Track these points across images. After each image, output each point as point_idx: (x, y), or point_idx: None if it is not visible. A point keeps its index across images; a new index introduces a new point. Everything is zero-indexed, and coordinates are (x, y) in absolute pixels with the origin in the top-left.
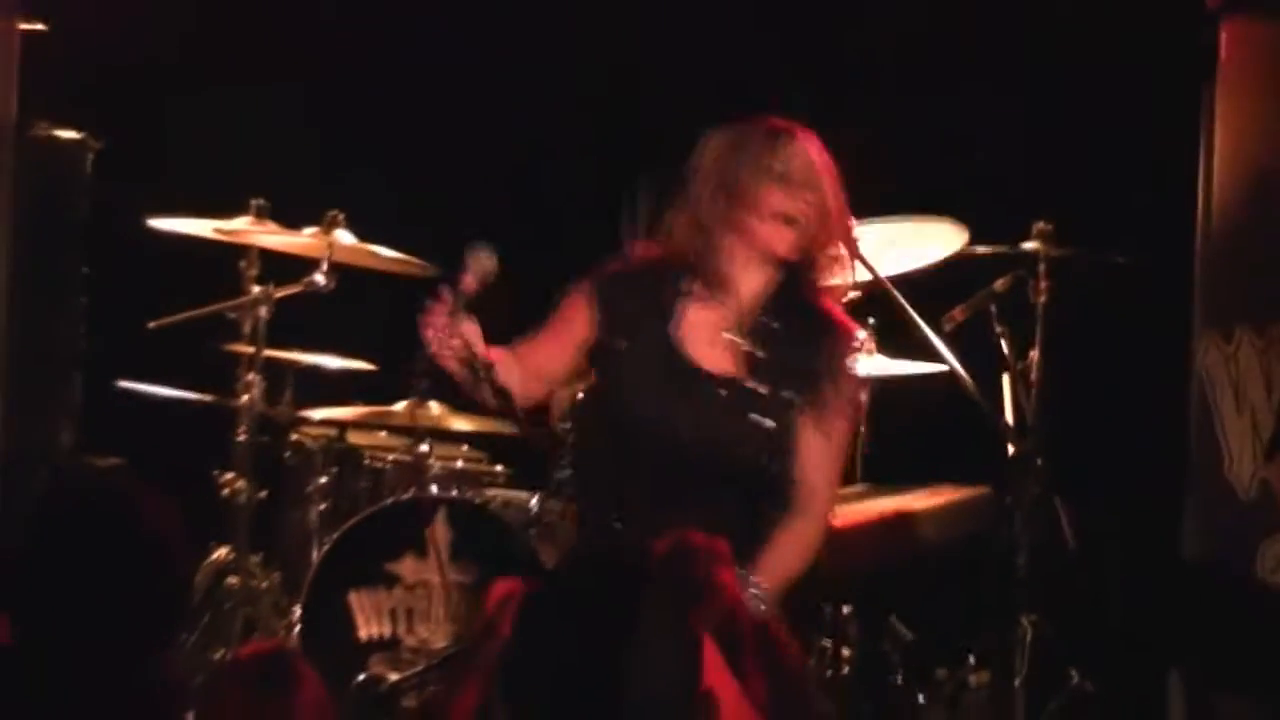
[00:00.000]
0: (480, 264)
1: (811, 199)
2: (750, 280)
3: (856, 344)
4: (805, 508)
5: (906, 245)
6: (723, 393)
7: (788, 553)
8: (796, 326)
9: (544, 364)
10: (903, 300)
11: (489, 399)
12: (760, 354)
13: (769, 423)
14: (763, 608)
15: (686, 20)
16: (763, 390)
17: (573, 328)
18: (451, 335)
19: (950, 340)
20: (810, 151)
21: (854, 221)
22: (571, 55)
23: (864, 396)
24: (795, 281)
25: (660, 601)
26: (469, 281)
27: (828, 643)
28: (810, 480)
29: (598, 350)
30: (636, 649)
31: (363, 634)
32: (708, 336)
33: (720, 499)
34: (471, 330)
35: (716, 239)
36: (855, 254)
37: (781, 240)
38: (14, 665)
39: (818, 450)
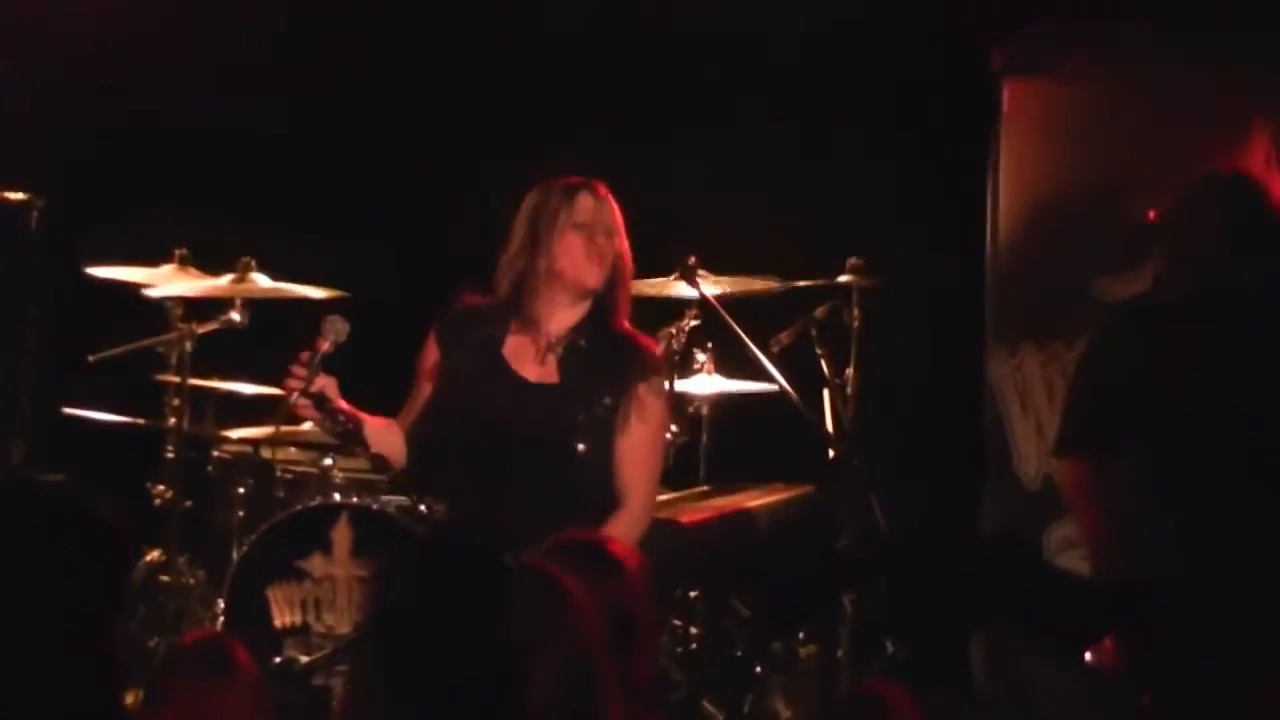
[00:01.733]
0: (334, 328)
1: (606, 241)
2: (559, 317)
3: (654, 360)
4: (625, 502)
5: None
6: (542, 395)
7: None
8: (602, 347)
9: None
10: (735, 326)
11: (358, 450)
12: (571, 369)
13: (580, 415)
14: None
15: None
16: (574, 391)
17: (430, 375)
18: (308, 388)
19: (778, 360)
20: (603, 202)
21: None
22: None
23: (699, 408)
24: (599, 314)
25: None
26: (323, 345)
27: (679, 622)
28: (627, 476)
29: (439, 371)
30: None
31: (278, 622)
32: (530, 356)
33: (540, 479)
34: (327, 384)
35: (530, 285)
36: (695, 286)
37: (590, 275)
38: None
39: (630, 450)
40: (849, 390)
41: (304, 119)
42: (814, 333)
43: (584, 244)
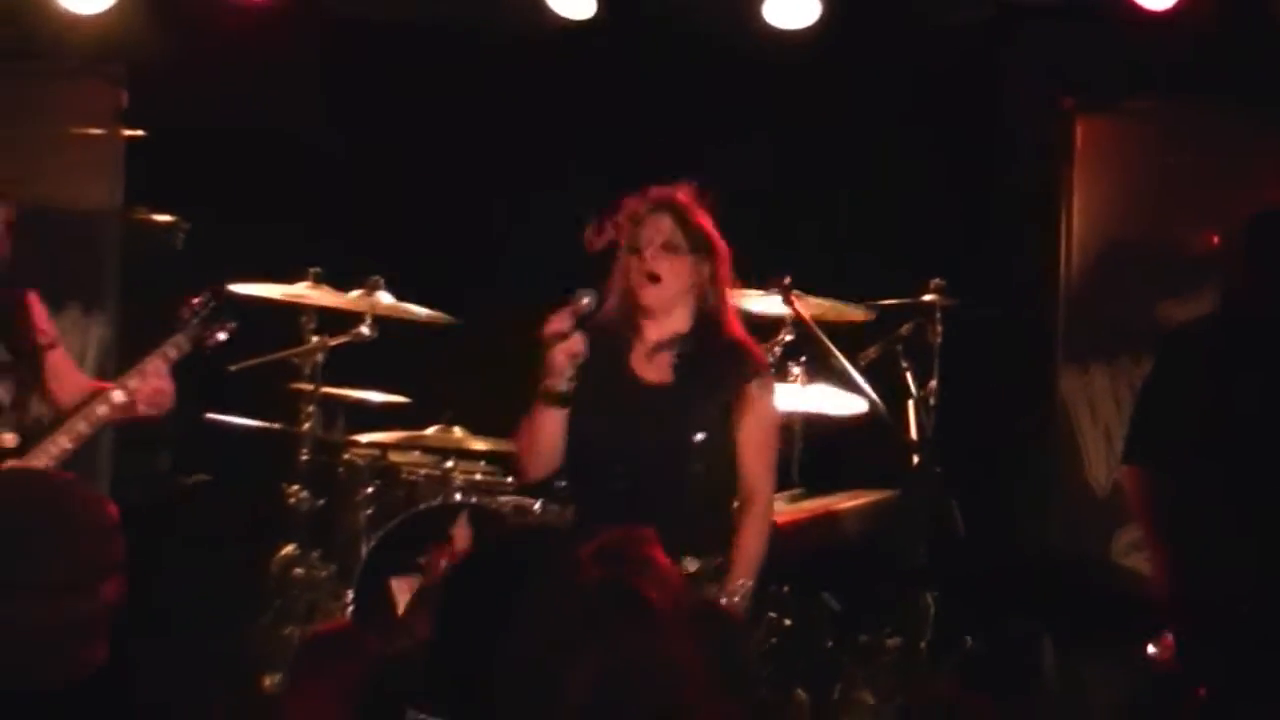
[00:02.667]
0: (584, 300)
1: (667, 261)
2: (660, 326)
3: (762, 361)
4: (751, 498)
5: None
6: (658, 396)
7: (752, 544)
8: (712, 351)
9: None
10: (828, 342)
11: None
12: (684, 371)
13: (695, 414)
14: (745, 605)
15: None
16: (690, 392)
17: None
18: (568, 334)
19: (865, 373)
20: (670, 217)
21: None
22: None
23: (794, 410)
24: (705, 321)
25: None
26: (580, 306)
27: (773, 615)
28: (749, 470)
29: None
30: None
31: (401, 613)
32: (646, 361)
33: (661, 475)
34: (580, 340)
35: (621, 301)
36: (791, 307)
37: (648, 296)
38: None
39: (748, 445)
40: (931, 402)
41: (427, 151)
42: (899, 348)
43: (638, 265)
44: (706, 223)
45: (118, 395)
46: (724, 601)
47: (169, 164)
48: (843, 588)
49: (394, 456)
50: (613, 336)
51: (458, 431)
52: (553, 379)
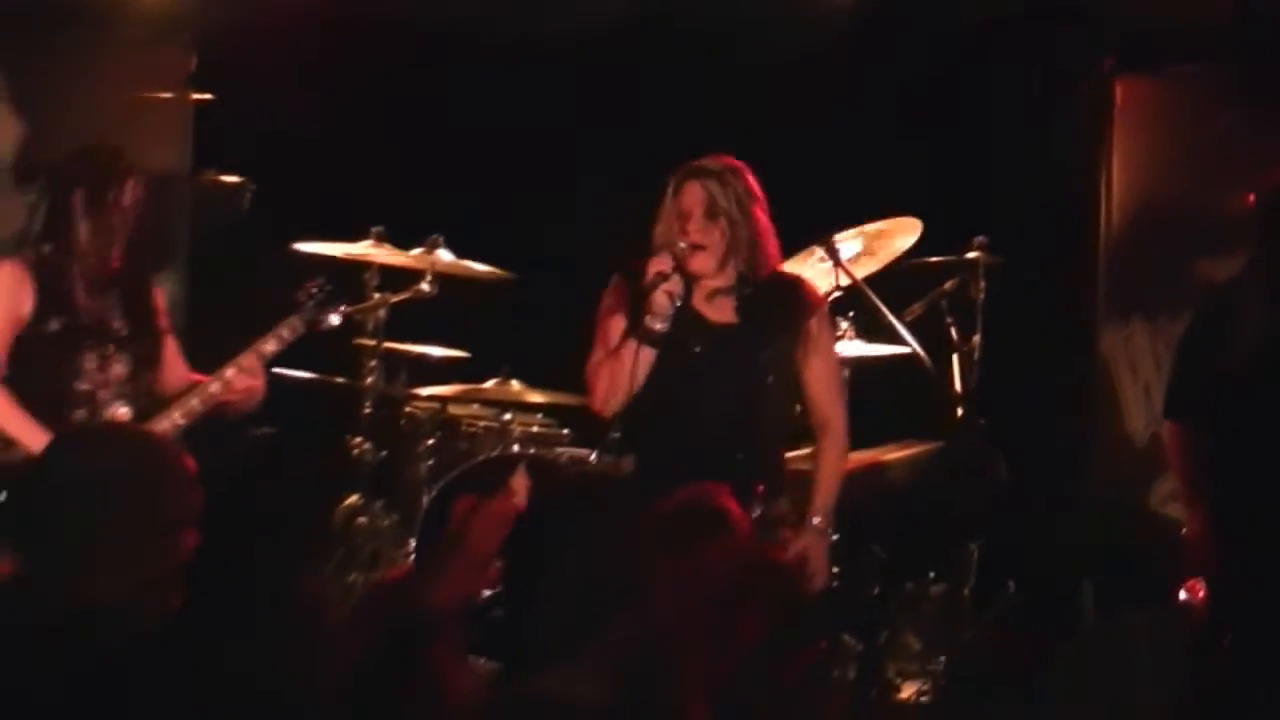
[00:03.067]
0: (680, 249)
1: (708, 229)
2: (713, 280)
3: (818, 296)
4: (826, 426)
5: (879, 249)
6: (726, 334)
7: (829, 479)
8: (768, 290)
9: None
10: (875, 298)
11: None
12: (747, 311)
13: (765, 353)
14: (830, 538)
15: None
16: (755, 330)
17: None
18: (667, 278)
19: (911, 329)
20: (709, 185)
21: (835, 237)
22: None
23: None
24: (751, 273)
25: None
26: (678, 249)
27: None
28: (820, 403)
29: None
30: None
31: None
32: (707, 301)
33: (729, 413)
34: (679, 281)
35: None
36: (837, 262)
37: (694, 264)
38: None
39: (816, 380)
40: (974, 356)
41: (486, 108)
42: (943, 305)
43: (680, 232)
44: (745, 184)
45: (215, 385)
46: (814, 522)
47: (236, 127)
48: (889, 536)
49: (454, 410)
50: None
51: (515, 385)
52: (653, 319)
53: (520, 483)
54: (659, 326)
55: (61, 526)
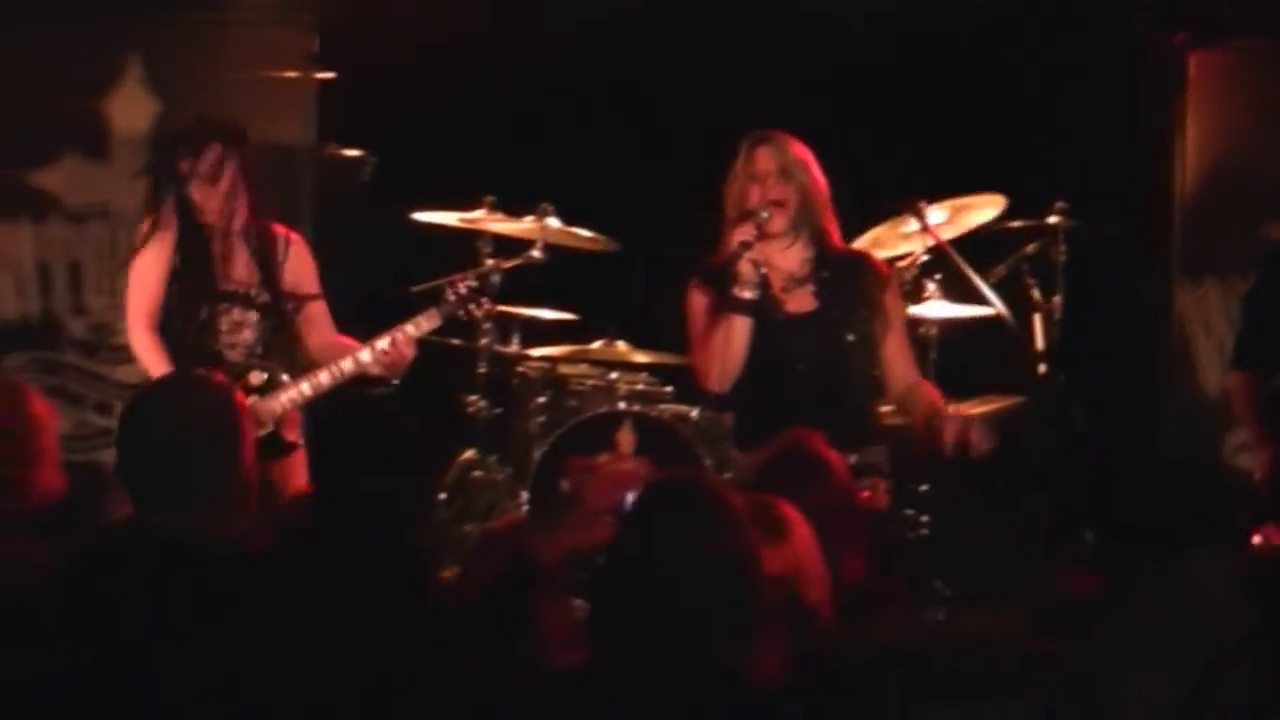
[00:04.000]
0: (764, 213)
1: (783, 188)
2: (786, 254)
3: (887, 270)
4: (911, 385)
5: (961, 219)
6: (806, 323)
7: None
8: (840, 270)
9: None
10: (961, 261)
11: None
12: (825, 296)
13: (850, 337)
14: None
15: None
16: (836, 315)
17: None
18: (751, 246)
19: (994, 290)
20: (772, 148)
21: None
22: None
23: (929, 330)
24: (819, 243)
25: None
26: (761, 219)
27: (910, 511)
28: (899, 372)
29: (713, 314)
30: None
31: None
32: (786, 291)
33: (817, 394)
34: (761, 254)
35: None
36: (925, 227)
37: (776, 222)
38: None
39: (894, 352)
40: (1055, 316)
41: (596, 85)
42: (1025, 267)
43: (758, 191)
44: (804, 152)
45: (365, 355)
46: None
47: (357, 102)
48: (974, 487)
49: (563, 369)
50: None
51: (621, 346)
52: (741, 287)
53: (626, 437)
54: (748, 295)
55: (151, 470)
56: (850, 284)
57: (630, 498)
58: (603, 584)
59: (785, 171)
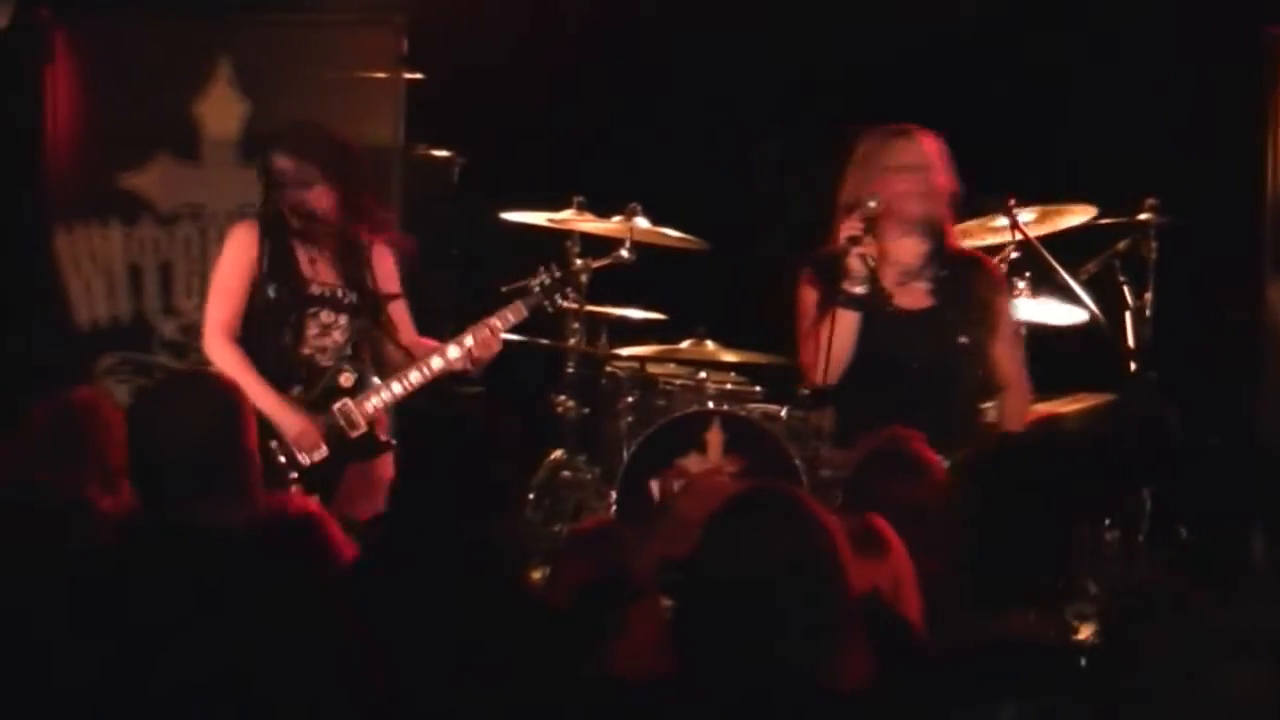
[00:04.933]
0: (871, 204)
1: (918, 178)
2: (905, 247)
3: (1001, 274)
4: (1010, 389)
5: (1050, 221)
6: (920, 321)
7: (1012, 422)
8: (957, 270)
9: None
10: (1051, 259)
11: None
12: (941, 295)
13: (963, 338)
14: None
15: None
16: (950, 316)
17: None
18: (859, 241)
19: (1085, 287)
20: (916, 143)
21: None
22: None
23: (1019, 327)
24: (937, 240)
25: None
26: (868, 210)
27: None
28: (1007, 371)
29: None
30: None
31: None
32: (898, 287)
33: (928, 395)
34: (873, 244)
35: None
36: (1015, 224)
37: (913, 207)
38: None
39: (1004, 352)
40: (1146, 313)
41: (683, 87)
42: (1116, 264)
43: (901, 180)
44: (938, 148)
45: (453, 351)
46: None
47: (446, 103)
48: (1065, 486)
49: (652, 368)
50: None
51: (709, 345)
52: (850, 282)
53: (715, 436)
54: (857, 290)
55: (160, 464)
56: (965, 284)
57: None
58: (689, 592)
59: (921, 166)
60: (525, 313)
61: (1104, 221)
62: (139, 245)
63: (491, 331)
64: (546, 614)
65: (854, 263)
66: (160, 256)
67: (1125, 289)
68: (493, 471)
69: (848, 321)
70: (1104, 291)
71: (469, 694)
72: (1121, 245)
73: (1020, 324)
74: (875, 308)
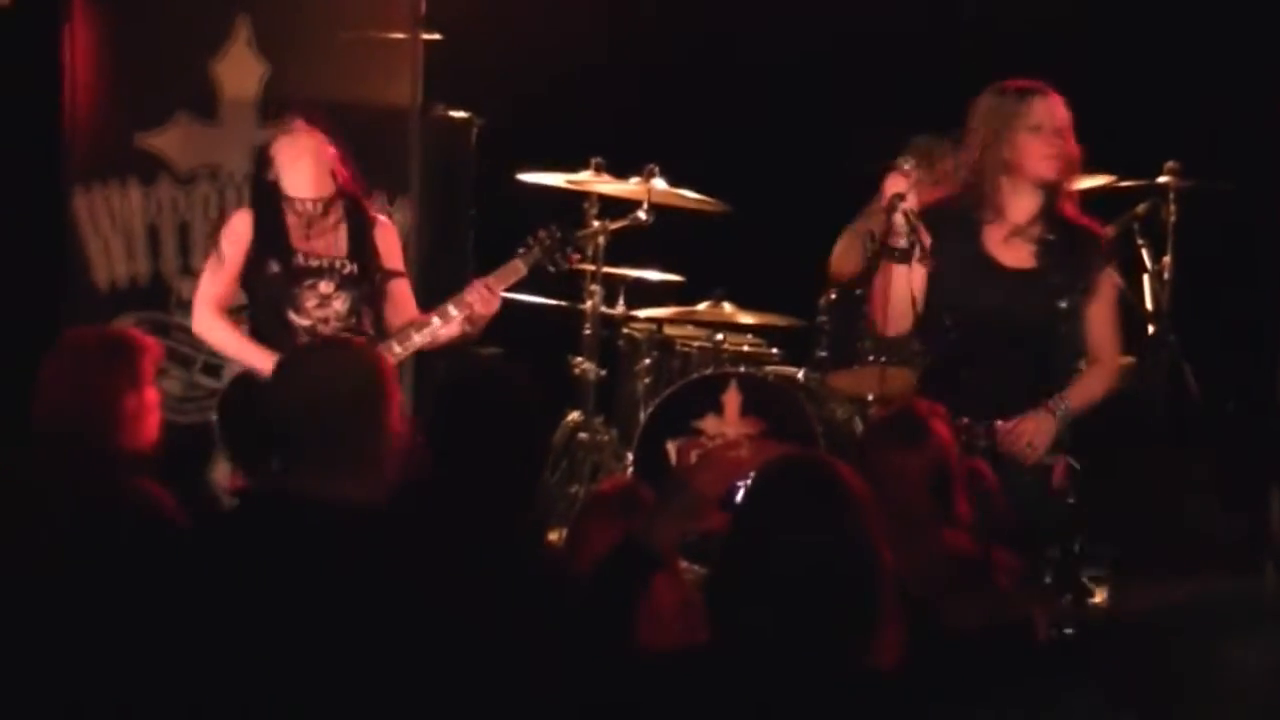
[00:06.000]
0: (908, 165)
1: (1057, 140)
2: (1020, 205)
3: (1111, 245)
4: (1097, 358)
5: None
6: (1023, 280)
7: (1090, 386)
8: (1066, 235)
9: None
10: None
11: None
12: (1047, 256)
13: (1061, 302)
14: (1063, 418)
15: None
16: (1054, 279)
17: None
18: (904, 197)
19: None
20: (1053, 104)
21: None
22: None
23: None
24: (1052, 204)
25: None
26: (908, 170)
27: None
28: (1098, 339)
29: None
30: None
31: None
32: (1004, 244)
33: (1024, 356)
34: (916, 200)
35: (992, 179)
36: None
37: (1049, 169)
38: (433, 499)
39: (1100, 320)
40: (1165, 276)
41: (702, 47)
42: (1135, 227)
43: (1040, 141)
44: (1068, 113)
45: (452, 309)
46: (1049, 404)
47: (465, 64)
48: (1085, 446)
49: (669, 330)
50: (959, 217)
51: (727, 307)
52: (895, 237)
53: (732, 398)
54: (902, 243)
55: (301, 436)
56: (1074, 250)
57: (741, 486)
58: (724, 565)
59: (1059, 129)
60: (524, 271)
61: (1124, 184)
62: (157, 205)
63: (489, 289)
64: (568, 581)
65: (899, 219)
66: (178, 217)
67: (1144, 252)
68: (519, 434)
69: (899, 275)
70: (1123, 255)
71: (493, 663)
72: (1141, 209)
73: (1120, 293)
74: (981, 260)
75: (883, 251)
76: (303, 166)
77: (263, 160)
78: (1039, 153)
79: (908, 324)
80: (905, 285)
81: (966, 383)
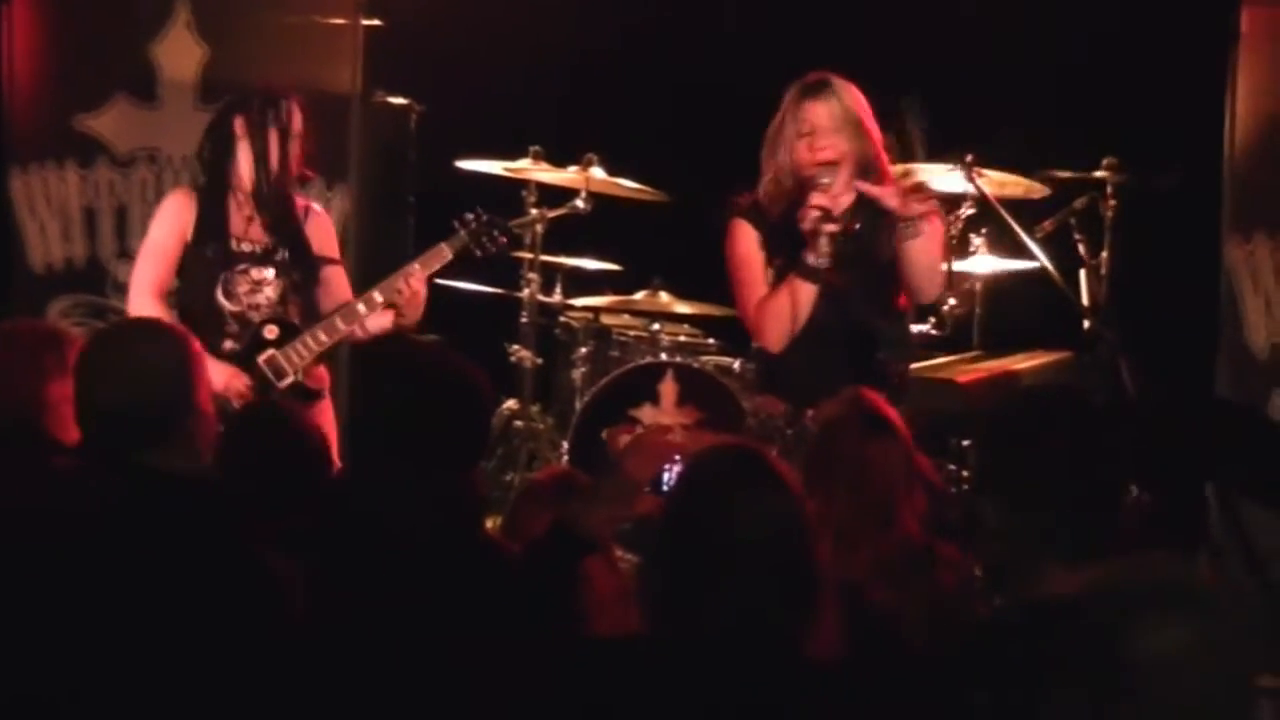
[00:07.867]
0: (824, 184)
1: (837, 144)
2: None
3: (902, 186)
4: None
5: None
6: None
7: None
8: (873, 221)
9: None
10: (1007, 216)
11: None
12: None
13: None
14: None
15: None
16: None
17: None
18: (830, 216)
19: (1042, 244)
20: (833, 102)
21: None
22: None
23: (974, 284)
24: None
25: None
26: (826, 185)
27: (953, 467)
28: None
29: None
30: None
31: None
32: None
33: (846, 351)
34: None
35: (782, 184)
36: (972, 180)
37: (816, 173)
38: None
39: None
40: (1102, 271)
41: (640, 37)
42: (1073, 221)
43: (806, 147)
44: (859, 101)
45: (377, 295)
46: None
47: (405, 50)
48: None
49: (606, 319)
50: (778, 220)
51: (664, 296)
52: (818, 258)
53: (669, 388)
54: (824, 264)
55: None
56: (872, 235)
57: (671, 471)
58: (657, 552)
59: (839, 129)
60: (449, 255)
61: (1062, 176)
62: (94, 188)
63: (415, 275)
64: (506, 566)
65: (823, 237)
66: (116, 200)
67: (1082, 246)
68: (458, 418)
69: (807, 293)
70: (1060, 249)
71: (432, 650)
72: (1078, 203)
73: (966, 277)
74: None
75: (798, 269)
76: (254, 147)
77: (220, 138)
78: (806, 158)
79: (786, 343)
80: (809, 303)
81: (808, 375)
